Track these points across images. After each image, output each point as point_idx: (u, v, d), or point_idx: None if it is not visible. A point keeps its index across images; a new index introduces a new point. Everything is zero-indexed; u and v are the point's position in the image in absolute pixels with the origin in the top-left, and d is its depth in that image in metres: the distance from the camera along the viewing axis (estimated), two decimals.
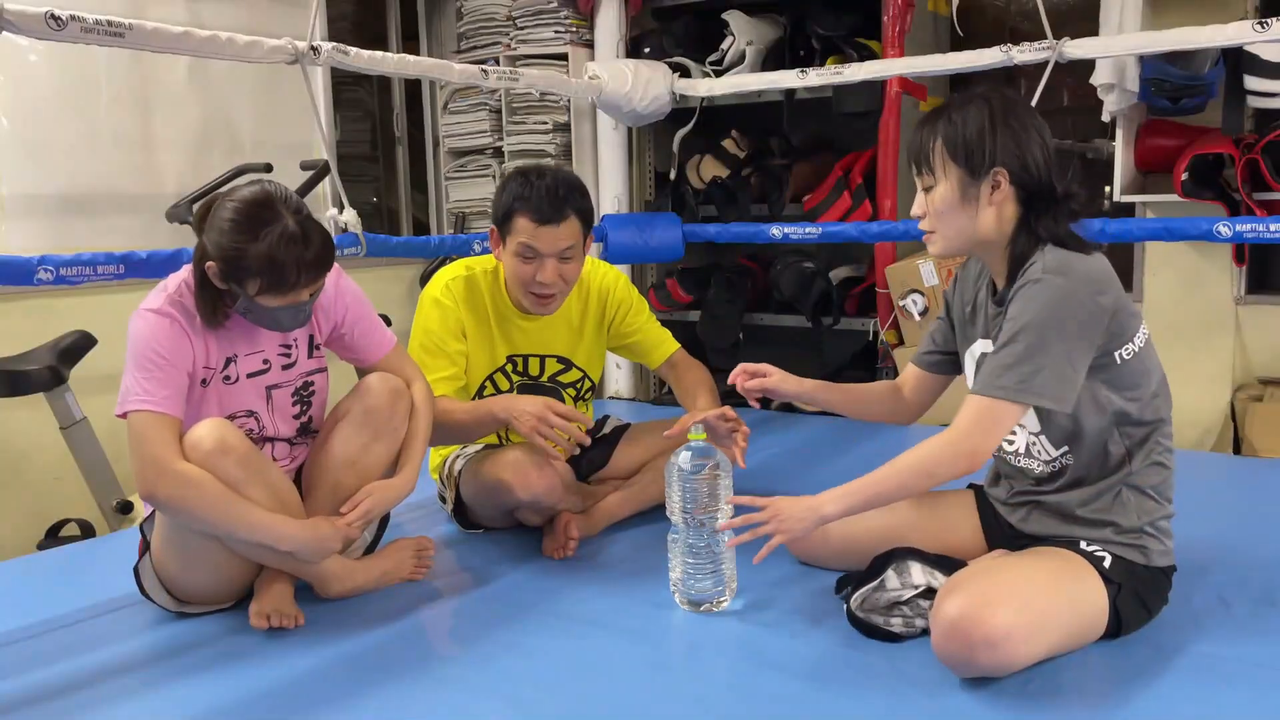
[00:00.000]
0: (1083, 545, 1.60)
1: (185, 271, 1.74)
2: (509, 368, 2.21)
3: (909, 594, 1.63)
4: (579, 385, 2.31)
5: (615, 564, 2.04)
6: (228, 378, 1.76)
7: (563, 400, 2.25)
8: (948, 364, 1.86)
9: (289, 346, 1.84)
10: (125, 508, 2.85)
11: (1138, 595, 1.59)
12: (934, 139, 1.60)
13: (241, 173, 3.27)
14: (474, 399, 2.18)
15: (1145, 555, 1.59)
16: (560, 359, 2.25)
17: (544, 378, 2.25)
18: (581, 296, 2.27)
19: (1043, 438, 1.64)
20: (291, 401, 1.86)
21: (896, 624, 1.64)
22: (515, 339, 2.20)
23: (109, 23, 2.04)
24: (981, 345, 1.69)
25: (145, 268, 2.17)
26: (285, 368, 1.84)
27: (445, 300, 2.13)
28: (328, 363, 1.93)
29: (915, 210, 1.65)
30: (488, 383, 2.21)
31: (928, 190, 1.63)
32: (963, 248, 1.64)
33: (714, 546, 1.76)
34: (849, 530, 1.82)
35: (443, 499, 2.28)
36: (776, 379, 1.90)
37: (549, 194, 2.02)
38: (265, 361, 1.81)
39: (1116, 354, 1.55)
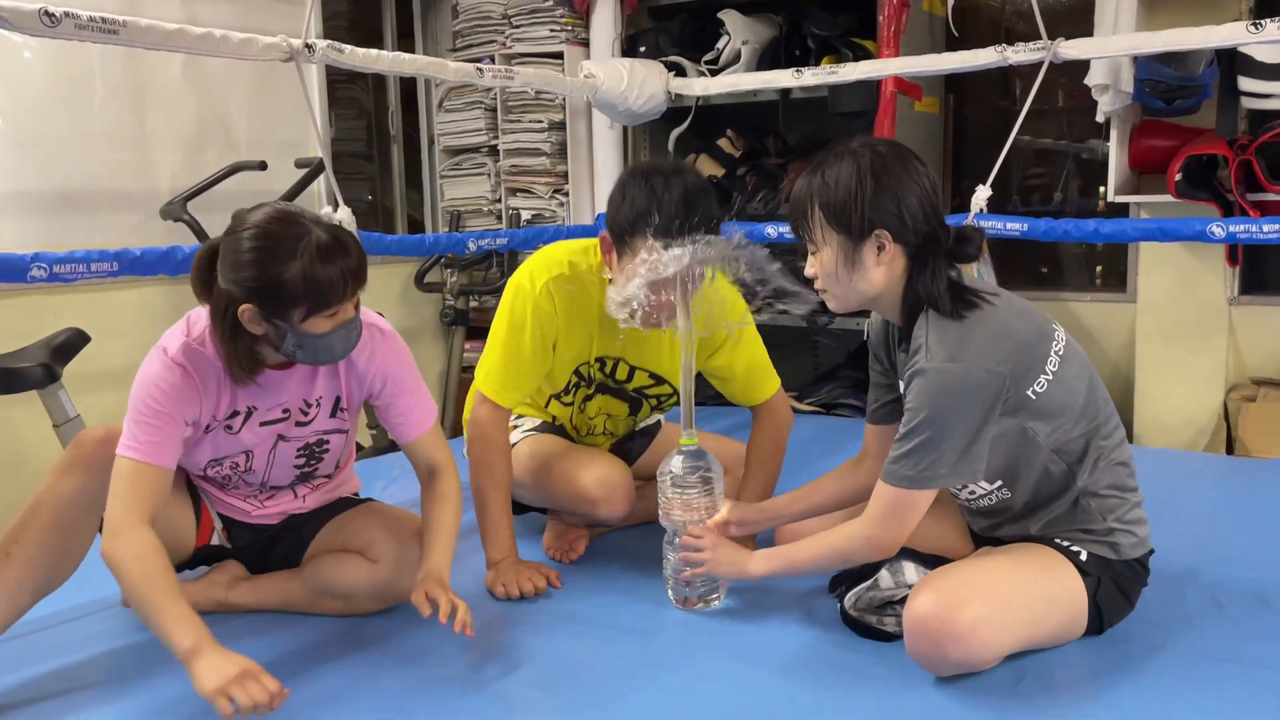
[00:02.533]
0: (1058, 541, 1.61)
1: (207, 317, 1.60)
2: (596, 366, 2.04)
3: (902, 593, 1.64)
4: (663, 398, 2.14)
5: (613, 564, 2.04)
6: (229, 427, 1.67)
7: (640, 407, 2.15)
8: (899, 407, 1.70)
9: (310, 405, 1.71)
10: None
11: (1116, 586, 1.59)
12: (810, 206, 1.58)
13: (236, 170, 3.26)
14: (561, 390, 2.07)
15: (1116, 550, 1.59)
16: (653, 374, 2.08)
17: (630, 385, 2.09)
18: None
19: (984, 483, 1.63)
20: (296, 454, 1.76)
21: (890, 623, 1.64)
22: (611, 344, 1.98)
23: (103, 20, 2.03)
24: (903, 386, 1.64)
25: (139, 265, 2.17)
26: (300, 424, 1.73)
27: (545, 306, 1.90)
28: (354, 423, 1.81)
29: (807, 272, 1.63)
30: (574, 376, 2.05)
31: (814, 253, 1.60)
32: (860, 305, 1.63)
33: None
34: (839, 514, 1.83)
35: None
36: (734, 527, 1.83)
37: (682, 217, 1.73)
38: (285, 411, 1.70)
39: (1029, 392, 1.52)
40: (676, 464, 1.77)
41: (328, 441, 1.77)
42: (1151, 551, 1.65)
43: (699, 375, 2.00)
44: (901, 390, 1.61)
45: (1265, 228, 2.62)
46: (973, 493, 1.66)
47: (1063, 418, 1.56)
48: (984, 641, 1.46)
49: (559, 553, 2.06)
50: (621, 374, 2.07)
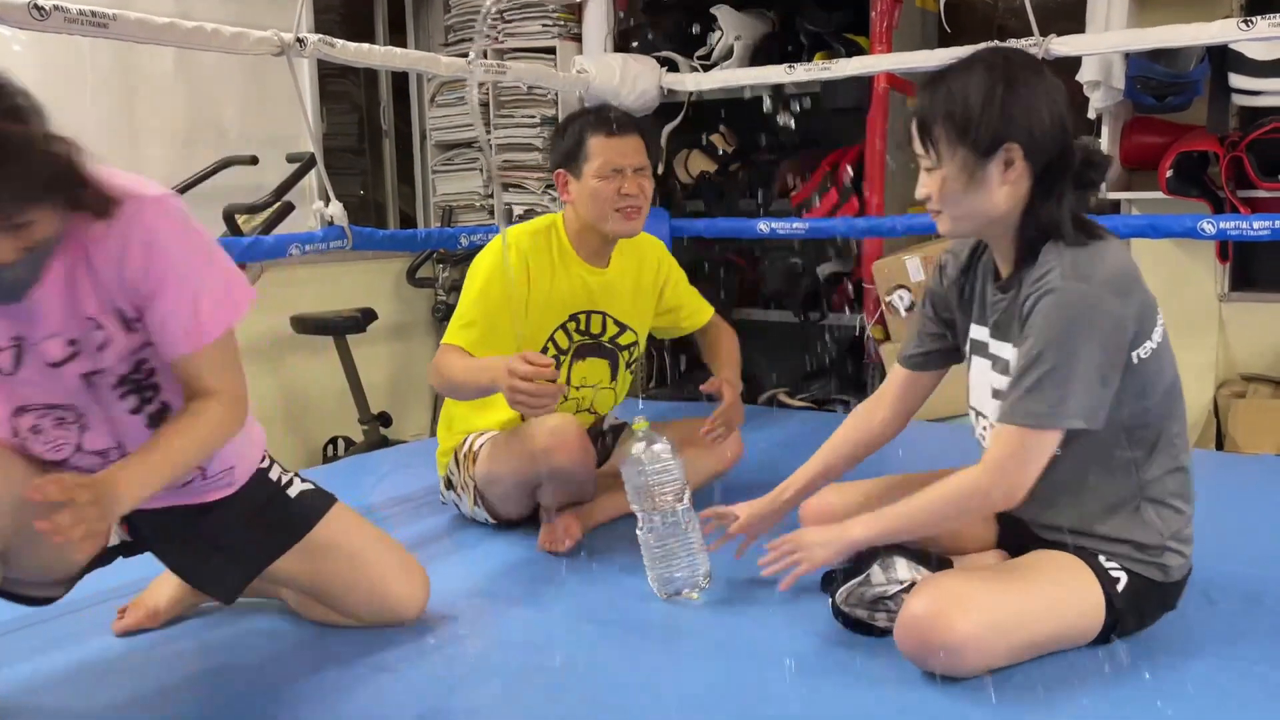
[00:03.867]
0: (1101, 560, 1.52)
1: None
2: (571, 325, 2.18)
3: (894, 589, 1.64)
4: (631, 350, 2.30)
5: (606, 558, 2.03)
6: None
7: (619, 365, 2.27)
8: (939, 357, 1.76)
9: (98, 324, 1.35)
10: None
11: (1140, 611, 1.54)
12: (934, 115, 1.45)
13: (228, 165, 3.25)
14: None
15: (1165, 573, 1.53)
16: (618, 320, 2.24)
17: (605, 337, 2.23)
18: (636, 256, 2.27)
19: None
20: (119, 394, 1.41)
21: (881, 619, 1.64)
22: (578, 292, 2.17)
23: (93, 13, 2.02)
24: (977, 331, 1.62)
25: None
26: (101, 348, 1.37)
27: (510, 258, 2.07)
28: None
29: (920, 192, 1.52)
30: (550, 343, 2.16)
31: (930, 170, 1.49)
32: (974, 229, 1.53)
33: (679, 533, 1.79)
34: (863, 502, 1.78)
35: (450, 483, 2.21)
36: (744, 519, 1.82)
37: (613, 112, 2.12)
38: (72, 343, 1.35)
39: (1134, 354, 1.45)
40: (637, 448, 1.80)
41: (147, 362, 1.41)
42: (1190, 571, 1.58)
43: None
44: (1007, 325, 1.50)
45: (1256, 224, 2.63)
46: None
47: (1149, 393, 1.47)
48: (971, 659, 1.44)
49: (552, 545, 2.06)
50: (596, 327, 2.21)
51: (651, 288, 2.31)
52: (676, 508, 1.79)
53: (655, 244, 2.36)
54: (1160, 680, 1.48)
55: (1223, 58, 3.04)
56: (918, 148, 1.50)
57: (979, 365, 1.61)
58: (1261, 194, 3.11)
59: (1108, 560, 1.52)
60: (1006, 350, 1.52)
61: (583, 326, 2.20)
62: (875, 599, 1.65)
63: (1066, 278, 1.40)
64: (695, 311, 2.42)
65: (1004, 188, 1.45)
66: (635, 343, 2.29)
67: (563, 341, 2.18)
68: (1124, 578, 1.51)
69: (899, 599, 1.63)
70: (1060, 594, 1.51)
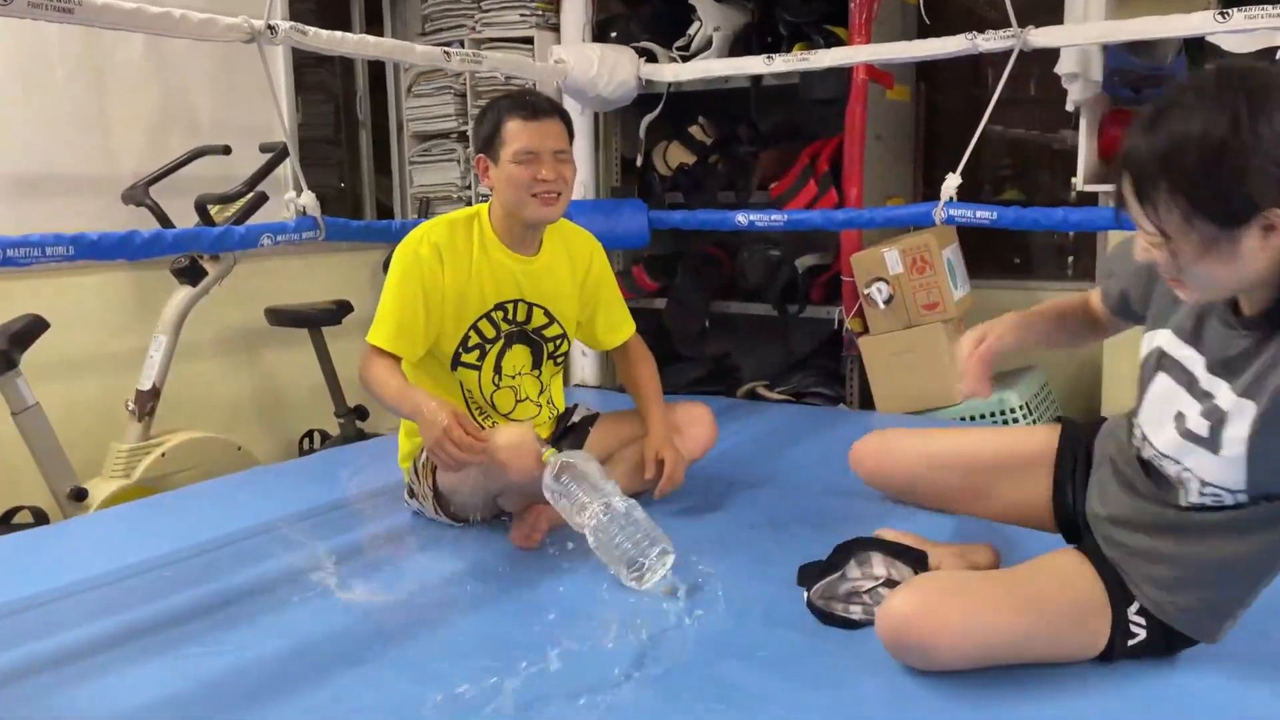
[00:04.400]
0: (1130, 611, 1.44)
1: None
2: (497, 314, 2.15)
3: (869, 584, 1.63)
4: (558, 343, 2.26)
5: (580, 553, 2.01)
6: None
7: (543, 356, 2.24)
8: (1129, 312, 1.56)
9: None
10: (79, 494, 2.80)
11: (1148, 654, 1.46)
12: (1156, 183, 1.17)
13: (200, 154, 3.22)
14: (458, 348, 2.14)
15: (1212, 636, 1.45)
16: (547, 311, 2.21)
17: (530, 326, 2.20)
18: (567, 246, 2.25)
19: (1241, 495, 1.36)
20: None
21: (856, 611, 1.64)
22: (504, 281, 2.14)
23: None
24: (1172, 345, 1.41)
25: (96, 249, 2.12)
26: None
27: (425, 254, 2.07)
28: None
29: (1139, 255, 1.27)
30: (472, 331, 2.14)
31: (1153, 242, 1.23)
32: (1223, 296, 1.30)
33: (620, 525, 1.83)
34: (912, 460, 1.81)
35: (411, 492, 2.22)
36: (995, 339, 1.59)
37: (532, 96, 2.10)
38: None
39: None
40: (548, 479, 1.90)
41: None
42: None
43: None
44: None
45: None
46: (1204, 495, 1.38)
47: None
48: (945, 664, 1.43)
49: (523, 539, 2.04)
50: (522, 315, 2.18)
51: (579, 279, 2.27)
52: (604, 511, 1.84)
53: (590, 242, 2.33)
54: (1144, 672, 1.47)
55: (1199, 50, 3.05)
56: (1136, 217, 1.22)
57: (1171, 390, 1.41)
58: None
59: (1137, 614, 1.44)
60: (1224, 394, 1.31)
61: (510, 315, 2.17)
62: (850, 593, 1.64)
63: None
64: (614, 326, 2.36)
65: (1265, 254, 1.17)
66: (563, 335, 2.26)
67: (488, 330, 2.15)
68: (1143, 635, 1.43)
69: (874, 593, 1.63)
70: (1057, 620, 1.44)
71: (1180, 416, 1.39)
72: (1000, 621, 1.42)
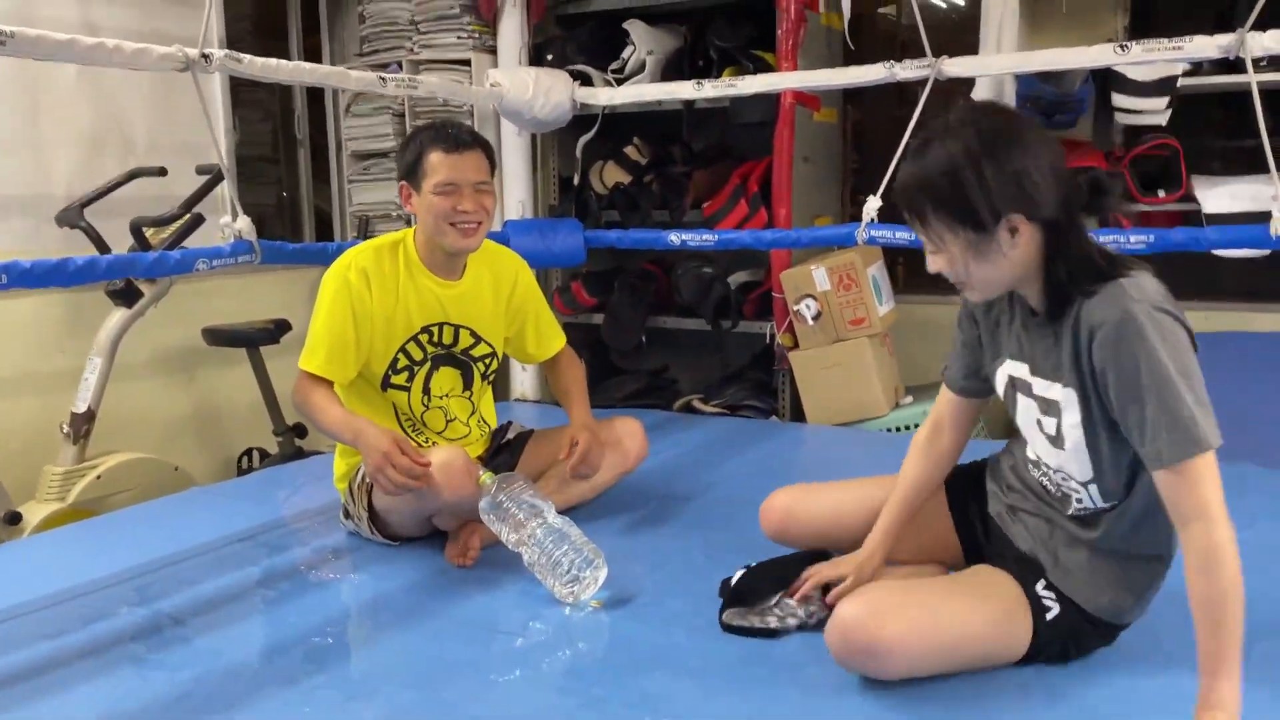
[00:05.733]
0: (1039, 588, 1.54)
1: None
2: (424, 337, 2.21)
3: (776, 598, 1.72)
4: (488, 362, 2.32)
5: (513, 570, 2.05)
6: None
7: (473, 376, 2.30)
8: (979, 387, 1.71)
9: None
10: (13, 518, 2.79)
11: (1066, 645, 1.55)
12: (921, 202, 1.42)
13: (135, 175, 3.21)
14: (388, 370, 2.19)
15: (1118, 616, 1.55)
16: (473, 332, 2.27)
17: (458, 348, 2.26)
18: (491, 268, 2.30)
19: (1092, 487, 1.53)
20: None
21: (772, 620, 1.71)
22: (429, 305, 2.20)
23: None
24: (1015, 368, 1.57)
25: (29, 278, 2.13)
26: None
27: (352, 279, 2.12)
28: None
29: (931, 268, 1.47)
30: (400, 354, 2.19)
31: (931, 250, 1.46)
32: (1002, 290, 1.50)
33: (557, 541, 1.90)
34: (823, 517, 1.85)
35: (347, 513, 2.26)
36: (851, 578, 1.72)
37: (454, 129, 2.14)
38: None
39: None
40: (485, 503, 1.98)
41: None
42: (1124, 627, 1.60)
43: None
44: (1071, 365, 1.45)
45: (1133, 238, 2.78)
46: (1076, 497, 1.54)
47: None
48: (897, 664, 1.48)
49: (459, 557, 2.10)
50: (448, 338, 2.24)
51: (505, 298, 2.33)
52: (540, 527, 1.92)
53: (515, 261, 2.39)
54: (1119, 675, 1.54)
55: (1106, 78, 3.21)
56: (917, 231, 1.46)
57: (1025, 406, 1.57)
58: (1143, 208, 3.28)
59: (1045, 589, 1.54)
60: (1055, 390, 1.49)
61: (435, 338, 2.23)
62: (762, 610, 1.72)
63: (1127, 309, 1.35)
64: (544, 339, 2.43)
65: (1015, 251, 1.41)
66: (492, 354, 2.32)
67: (415, 353, 2.21)
68: (1056, 609, 1.53)
69: (782, 604, 1.71)
70: (989, 610, 1.53)
71: (1039, 424, 1.56)
72: (943, 611, 1.51)
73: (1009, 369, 1.59)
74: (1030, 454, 1.62)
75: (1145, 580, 1.56)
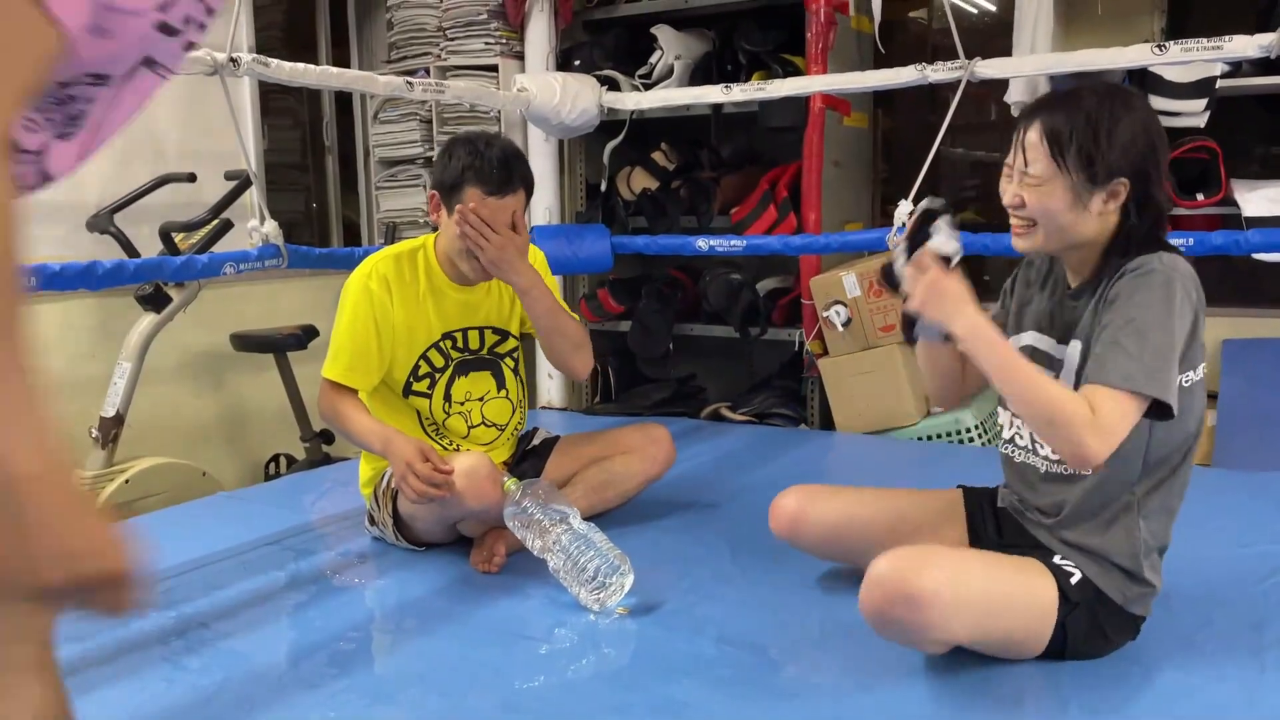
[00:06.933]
0: (1056, 559, 1.57)
1: None
2: (446, 344, 2.19)
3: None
4: (515, 355, 2.30)
5: (539, 576, 2.03)
6: None
7: (503, 373, 2.27)
8: None
9: None
10: None
11: (1095, 620, 1.55)
12: (1067, 135, 1.48)
13: (165, 182, 3.23)
14: (409, 377, 2.17)
15: (1124, 597, 1.56)
16: (496, 329, 2.25)
17: (484, 350, 2.24)
18: None
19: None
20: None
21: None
22: (449, 313, 2.18)
23: None
24: (1036, 339, 1.64)
25: (59, 280, 2.14)
26: None
27: (373, 288, 2.11)
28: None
29: (1011, 199, 1.53)
30: (422, 361, 2.18)
31: (1032, 182, 1.51)
32: (1059, 248, 1.56)
33: (582, 547, 1.87)
34: (833, 518, 1.85)
35: (372, 518, 2.25)
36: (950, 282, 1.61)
37: (500, 165, 2.02)
38: None
39: (1184, 376, 1.48)
40: (510, 510, 1.95)
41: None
42: (1144, 617, 1.61)
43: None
44: (1088, 325, 1.52)
45: (1172, 241, 2.72)
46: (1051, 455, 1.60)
47: (1176, 433, 1.51)
48: (934, 616, 1.44)
49: (484, 563, 2.08)
50: (474, 343, 2.22)
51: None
52: (565, 533, 1.89)
53: (534, 255, 2.28)
54: (1117, 680, 1.51)
55: (1143, 80, 3.15)
56: (1032, 158, 1.50)
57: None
58: (1181, 212, 3.21)
59: (1061, 559, 1.57)
60: (1063, 350, 1.57)
61: (459, 344, 2.21)
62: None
63: (1154, 266, 1.45)
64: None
65: (1101, 216, 1.50)
66: (515, 346, 2.30)
67: (437, 360, 2.19)
68: (1077, 574, 1.55)
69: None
70: (1014, 564, 1.56)
71: None
72: (974, 562, 1.57)
73: (1028, 339, 1.65)
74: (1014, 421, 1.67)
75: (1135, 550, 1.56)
